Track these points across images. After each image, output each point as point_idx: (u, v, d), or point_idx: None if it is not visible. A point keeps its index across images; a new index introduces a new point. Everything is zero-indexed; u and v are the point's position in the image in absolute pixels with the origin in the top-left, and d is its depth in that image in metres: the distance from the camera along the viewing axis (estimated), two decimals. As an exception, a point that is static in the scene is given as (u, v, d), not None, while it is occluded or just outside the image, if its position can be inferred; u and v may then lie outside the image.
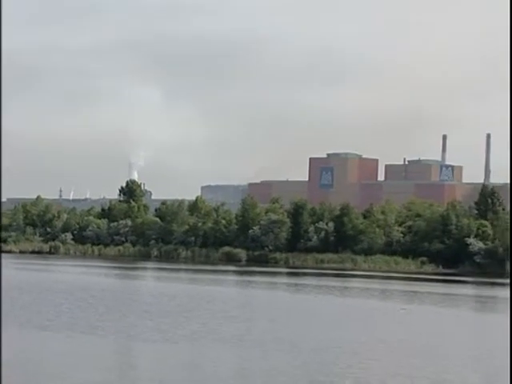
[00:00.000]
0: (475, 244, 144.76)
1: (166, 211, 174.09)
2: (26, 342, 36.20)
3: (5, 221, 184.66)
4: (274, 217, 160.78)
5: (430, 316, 59.76)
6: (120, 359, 33.87)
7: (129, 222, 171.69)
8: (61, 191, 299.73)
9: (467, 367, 34.80)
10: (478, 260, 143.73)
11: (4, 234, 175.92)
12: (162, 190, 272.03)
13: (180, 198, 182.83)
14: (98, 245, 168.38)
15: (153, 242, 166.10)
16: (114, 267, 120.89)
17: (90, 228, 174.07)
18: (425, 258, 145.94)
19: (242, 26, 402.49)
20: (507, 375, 30.27)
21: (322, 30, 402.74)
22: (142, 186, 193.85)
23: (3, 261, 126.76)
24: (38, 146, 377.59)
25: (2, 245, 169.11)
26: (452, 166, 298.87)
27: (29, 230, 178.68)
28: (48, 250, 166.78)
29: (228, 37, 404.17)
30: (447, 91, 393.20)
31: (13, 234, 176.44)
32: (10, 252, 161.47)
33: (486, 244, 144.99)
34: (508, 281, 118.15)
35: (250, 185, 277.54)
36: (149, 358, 33.58)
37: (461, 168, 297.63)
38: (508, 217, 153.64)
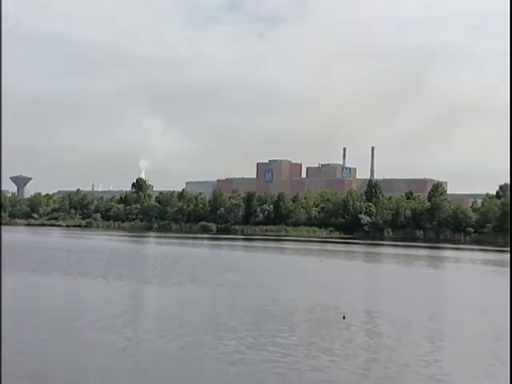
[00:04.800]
0: (364, 218, 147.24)
1: (163, 198, 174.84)
2: (70, 285, 35.70)
3: (56, 205, 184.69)
4: (234, 202, 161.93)
5: (338, 265, 60.59)
6: (138, 296, 33.98)
7: (138, 206, 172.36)
8: (93, 185, 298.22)
9: (353, 295, 35.63)
10: (366, 229, 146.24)
11: (56, 214, 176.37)
12: (160, 184, 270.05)
13: (172, 189, 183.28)
14: (118, 221, 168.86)
15: (154, 219, 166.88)
16: (129, 236, 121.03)
17: (113, 210, 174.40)
18: (332, 228, 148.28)
19: (212, 74, 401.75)
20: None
21: (266, 74, 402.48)
22: (147, 181, 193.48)
23: (56, 232, 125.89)
24: (79, 154, 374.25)
25: (55, 221, 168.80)
26: (350, 168, 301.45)
27: (72, 211, 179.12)
28: (85, 224, 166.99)
29: (203, 81, 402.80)
30: (346, 118, 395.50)
31: (61, 214, 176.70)
32: (59, 226, 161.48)
33: (371, 218, 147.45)
34: (387, 242, 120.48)
35: (219, 181, 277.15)
36: (156, 296, 33.72)
37: (355, 169, 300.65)
38: (386, 200, 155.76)
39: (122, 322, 24.10)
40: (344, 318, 26.18)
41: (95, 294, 32.74)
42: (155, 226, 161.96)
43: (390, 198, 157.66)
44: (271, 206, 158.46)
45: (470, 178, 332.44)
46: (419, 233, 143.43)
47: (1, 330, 19.95)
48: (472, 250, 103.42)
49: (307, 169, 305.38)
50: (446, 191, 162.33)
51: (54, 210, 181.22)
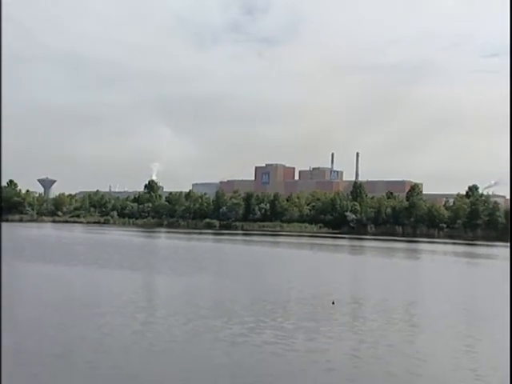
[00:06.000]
0: (350, 215, 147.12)
1: (172, 198, 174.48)
2: (92, 275, 35.49)
3: (77, 204, 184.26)
4: (235, 201, 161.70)
5: (327, 257, 60.51)
6: (151, 285, 33.88)
7: (150, 205, 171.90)
8: (110, 186, 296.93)
9: (341, 283, 35.27)
10: (352, 225, 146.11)
11: (77, 212, 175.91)
12: (170, 185, 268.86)
13: (180, 190, 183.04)
14: (132, 218, 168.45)
15: (164, 216, 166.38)
16: (142, 231, 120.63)
17: (128, 208, 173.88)
18: (322, 224, 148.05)
19: (214, 88, 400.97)
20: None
21: (264, 88, 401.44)
22: (158, 183, 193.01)
23: (78, 228, 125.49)
24: (98, 160, 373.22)
25: (77, 218, 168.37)
26: (337, 171, 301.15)
27: (92, 209, 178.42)
28: (103, 221, 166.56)
29: (207, 94, 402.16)
30: (335, 126, 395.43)
31: (82, 212, 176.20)
32: (81, 222, 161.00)
33: (356, 215, 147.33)
34: (370, 237, 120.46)
35: (221, 182, 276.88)
36: (167, 285, 33.54)
37: (342, 172, 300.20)
38: (369, 200, 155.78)
39: (137, 308, 23.95)
40: (333, 303, 26.01)
41: (113, 283, 32.57)
42: (165, 222, 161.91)
43: (372, 198, 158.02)
44: (268, 205, 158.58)
45: (443, 179, 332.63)
46: (398, 228, 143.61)
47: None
48: (445, 243, 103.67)
49: (300, 172, 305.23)
50: (421, 191, 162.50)
51: (76, 209, 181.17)
